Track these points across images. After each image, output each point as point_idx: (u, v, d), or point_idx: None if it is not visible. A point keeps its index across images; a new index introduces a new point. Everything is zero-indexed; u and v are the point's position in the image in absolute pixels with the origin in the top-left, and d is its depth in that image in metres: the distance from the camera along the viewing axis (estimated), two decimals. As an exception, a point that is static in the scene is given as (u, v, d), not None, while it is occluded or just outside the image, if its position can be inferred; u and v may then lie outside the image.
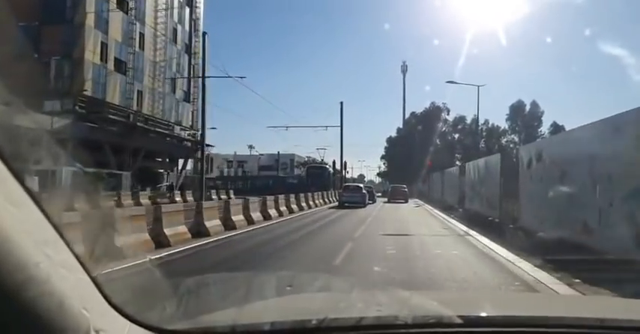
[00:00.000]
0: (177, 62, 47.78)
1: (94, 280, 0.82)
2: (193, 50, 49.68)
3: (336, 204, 25.23)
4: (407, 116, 76.29)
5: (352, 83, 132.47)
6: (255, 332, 1.16)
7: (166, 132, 41.13)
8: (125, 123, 36.04)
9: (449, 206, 23.49)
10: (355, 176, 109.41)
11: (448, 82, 31.01)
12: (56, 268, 0.70)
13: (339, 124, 35.86)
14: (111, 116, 34.32)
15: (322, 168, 42.87)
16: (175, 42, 46.87)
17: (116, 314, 0.88)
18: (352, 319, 1.21)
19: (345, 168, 37.28)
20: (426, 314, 1.23)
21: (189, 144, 48.42)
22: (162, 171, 41.55)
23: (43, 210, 0.73)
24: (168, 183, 40.20)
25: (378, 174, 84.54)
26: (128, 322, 0.91)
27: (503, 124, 70.28)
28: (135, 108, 39.25)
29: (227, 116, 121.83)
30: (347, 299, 1.62)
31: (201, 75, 51.63)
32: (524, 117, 70.80)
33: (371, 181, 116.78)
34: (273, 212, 16.95)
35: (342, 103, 36.24)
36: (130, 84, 37.90)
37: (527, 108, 70.11)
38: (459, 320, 1.17)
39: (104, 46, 35.40)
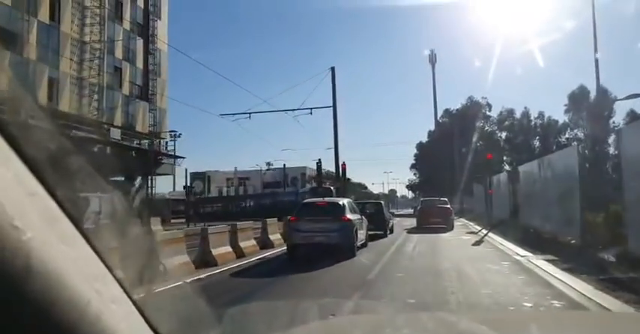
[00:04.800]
0: (127, 47, 35.87)
1: (142, 312, 0.82)
2: (152, 32, 37.83)
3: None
4: (439, 116, 63.98)
5: (374, 86, 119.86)
6: None
7: (94, 137, 28.44)
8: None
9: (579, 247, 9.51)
10: (386, 192, 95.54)
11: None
12: (106, 304, 0.72)
13: (332, 104, 22.44)
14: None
15: (328, 189, 33.43)
16: (120, 19, 35.04)
17: None
18: None
19: (344, 172, 23.32)
20: None
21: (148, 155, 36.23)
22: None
23: (91, 245, 0.74)
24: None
25: (408, 187, 70.11)
26: None
27: (562, 118, 56.29)
28: (44, 101, 27.15)
29: (235, 130, 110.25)
30: (392, 324, 1.62)
31: (160, 64, 39.69)
32: (589, 107, 56.19)
33: (404, 197, 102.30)
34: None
35: (333, 69, 22.95)
36: (25, 66, 25.85)
37: (592, 95, 55.80)
38: None
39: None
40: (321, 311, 1.80)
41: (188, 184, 62.94)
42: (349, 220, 10.09)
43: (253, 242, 10.77)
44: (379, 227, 14.78)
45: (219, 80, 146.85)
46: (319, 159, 26.72)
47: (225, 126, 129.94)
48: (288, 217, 10.31)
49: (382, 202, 16.95)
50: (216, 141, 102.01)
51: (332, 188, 26.38)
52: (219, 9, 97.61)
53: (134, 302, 0.82)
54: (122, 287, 0.79)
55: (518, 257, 9.11)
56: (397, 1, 61.83)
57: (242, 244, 9.83)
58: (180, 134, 52.62)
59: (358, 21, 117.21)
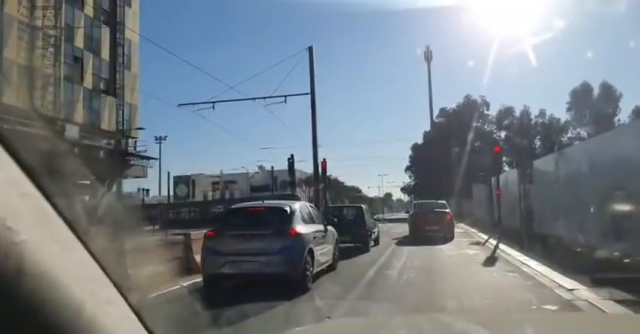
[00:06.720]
0: (89, 35, 32.42)
1: (138, 314, 0.81)
2: (120, 19, 34.40)
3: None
4: (435, 115, 61.18)
5: (369, 86, 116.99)
6: None
7: (41, 132, 24.95)
8: None
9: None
10: (382, 195, 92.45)
11: None
12: (101, 306, 0.71)
13: (310, 91, 18.91)
14: None
15: (294, 196, 30.91)
16: (81, 4, 31.62)
17: None
18: None
19: (325, 171, 19.60)
20: None
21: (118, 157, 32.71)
22: None
23: (86, 247, 0.74)
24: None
25: (403, 190, 66.71)
26: None
27: (564, 116, 53.85)
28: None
29: (218, 130, 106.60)
30: (388, 326, 1.57)
31: (132, 54, 36.28)
32: (592, 105, 53.77)
33: (399, 200, 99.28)
34: None
35: (311, 48, 19.35)
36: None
37: (596, 92, 53.35)
38: None
39: None
40: (317, 314, 1.95)
41: (171, 188, 59.32)
42: (298, 235, 6.58)
43: (159, 268, 7.38)
44: (358, 238, 11.34)
45: (206, 78, 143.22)
46: (292, 155, 23.17)
47: (212, 127, 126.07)
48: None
49: (363, 206, 13.36)
50: (199, 142, 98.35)
51: (298, 195, 22.71)
52: (210, 8, 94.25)
53: (130, 305, 0.79)
54: (118, 289, 0.77)
55: (565, 295, 5.68)
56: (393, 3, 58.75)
57: (135, 273, 6.49)
58: (165, 136, 49.30)
59: (356, 22, 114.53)
